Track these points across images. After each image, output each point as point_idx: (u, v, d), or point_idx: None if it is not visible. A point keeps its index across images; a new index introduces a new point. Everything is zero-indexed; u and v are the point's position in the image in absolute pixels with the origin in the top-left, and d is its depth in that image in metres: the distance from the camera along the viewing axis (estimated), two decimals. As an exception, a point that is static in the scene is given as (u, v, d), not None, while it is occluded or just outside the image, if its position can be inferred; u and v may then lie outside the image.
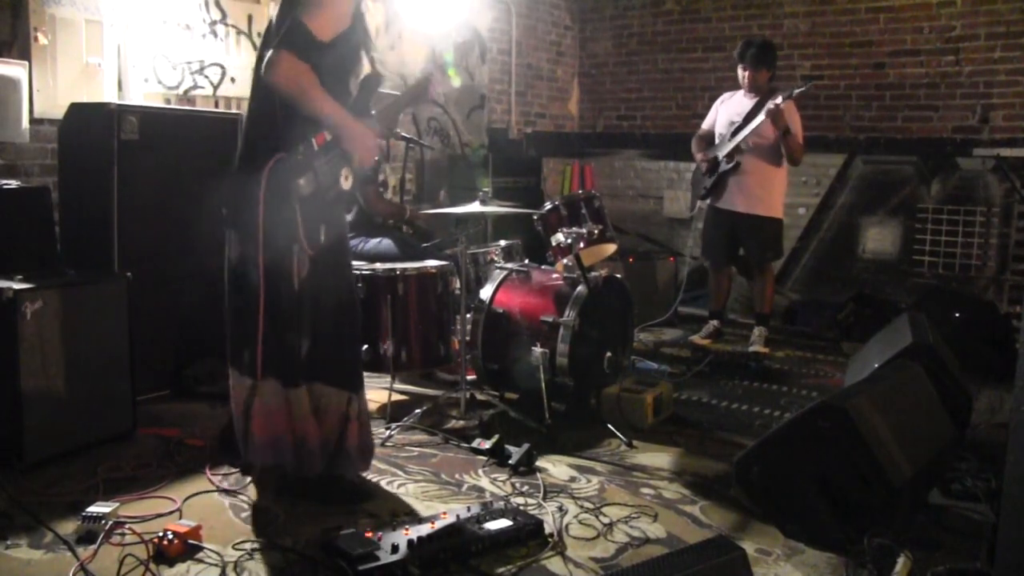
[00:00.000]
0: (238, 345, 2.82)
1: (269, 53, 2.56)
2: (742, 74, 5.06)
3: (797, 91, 4.83)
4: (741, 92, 5.14)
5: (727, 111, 5.20)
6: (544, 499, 2.90)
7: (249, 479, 2.96)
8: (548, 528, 2.64)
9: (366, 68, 2.87)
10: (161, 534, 2.43)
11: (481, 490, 3.01)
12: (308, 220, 2.65)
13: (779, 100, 4.78)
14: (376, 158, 2.82)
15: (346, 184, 2.72)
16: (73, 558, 2.38)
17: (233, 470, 3.04)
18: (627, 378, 3.96)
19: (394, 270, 3.85)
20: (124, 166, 3.69)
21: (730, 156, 5.08)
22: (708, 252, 5.49)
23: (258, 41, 4.93)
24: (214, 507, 2.78)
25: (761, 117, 4.84)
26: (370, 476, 3.08)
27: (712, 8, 7.10)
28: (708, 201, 5.29)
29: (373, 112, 2.94)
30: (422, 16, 6.10)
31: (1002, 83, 5.85)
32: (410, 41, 6.10)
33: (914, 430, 2.74)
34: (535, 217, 4.04)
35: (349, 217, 4.67)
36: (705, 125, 5.37)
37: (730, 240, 5.27)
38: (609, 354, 3.77)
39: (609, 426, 3.60)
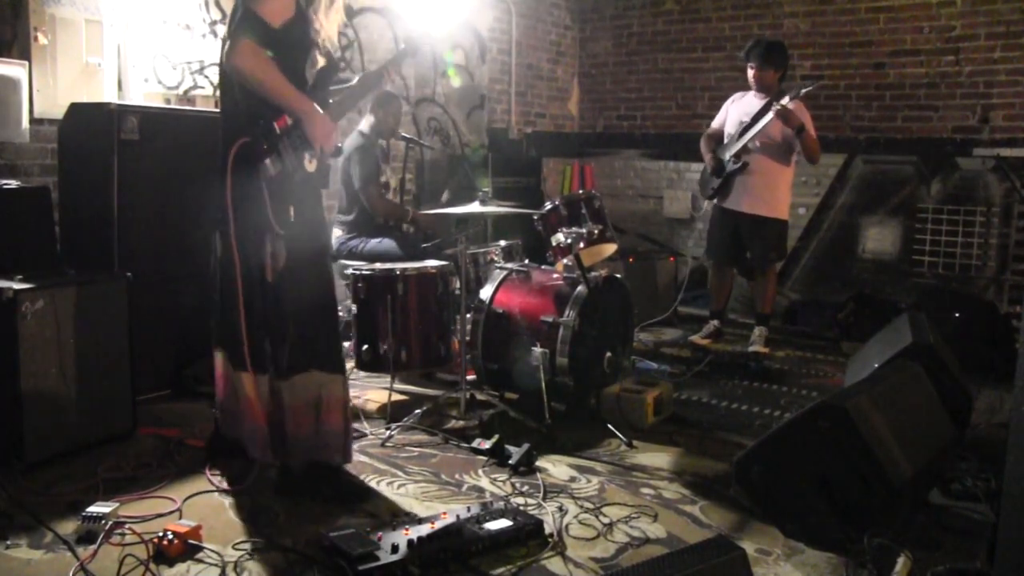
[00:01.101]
0: (227, 339, 2.86)
1: (229, 42, 2.66)
2: (750, 73, 5.05)
3: (804, 90, 4.82)
4: (752, 92, 5.13)
5: (737, 111, 5.19)
6: (544, 499, 2.90)
7: (250, 479, 2.97)
8: (548, 528, 2.64)
9: (320, 60, 2.91)
10: (161, 534, 2.43)
11: (481, 490, 3.01)
12: (276, 201, 2.73)
13: (785, 100, 4.77)
14: (338, 144, 2.91)
15: (310, 167, 2.81)
16: (73, 558, 2.38)
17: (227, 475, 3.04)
18: (627, 378, 3.96)
19: (394, 270, 3.85)
20: (124, 166, 3.69)
21: (737, 156, 5.07)
22: (712, 252, 5.49)
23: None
24: (214, 507, 2.78)
25: (770, 116, 4.83)
26: (370, 476, 3.09)
27: (712, 8, 7.10)
28: (715, 201, 5.29)
29: (332, 101, 2.99)
30: (422, 16, 6.10)
31: (1002, 83, 5.85)
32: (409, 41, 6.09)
33: (914, 430, 2.74)
34: (535, 217, 4.04)
35: (350, 217, 4.69)
36: (715, 124, 5.36)
37: (734, 240, 5.25)
38: (609, 354, 3.77)
39: (609, 426, 3.60)
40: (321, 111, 2.79)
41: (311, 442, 2.86)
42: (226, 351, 2.94)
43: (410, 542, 2.37)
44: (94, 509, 2.54)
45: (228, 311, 2.86)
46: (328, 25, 2.88)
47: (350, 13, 5.39)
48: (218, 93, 4.81)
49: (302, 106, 2.73)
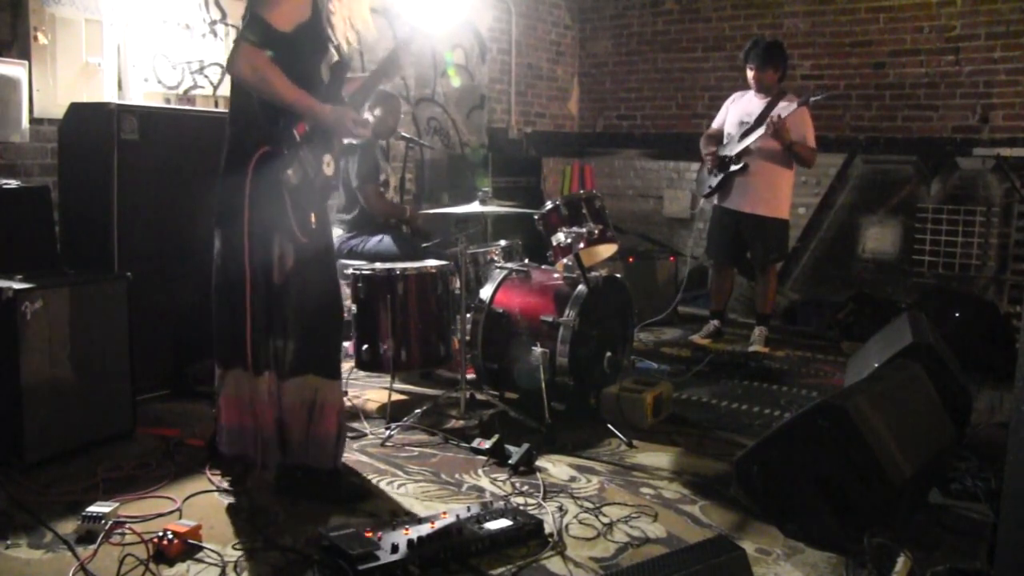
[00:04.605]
0: (228, 340, 2.85)
1: (232, 46, 2.65)
2: (750, 74, 5.05)
3: (813, 99, 4.84)
4: (752, 92, 5.13)
5: (737, 111, 5.19)
6: (544, 499, 2.90)
7: (250, 479, 2.97)
8: (548, 528, 2.64)
9: (333, 57, 2.91)
10: (161, 534, 2.43)
11: (481, 490, 3.01)
12: (298, 209, 2.71)
13: (785, 111, 4.78)
14: (367, 131, 2.89)
15: (328, 170, 2.79)
16: (73, 558, 2.38)
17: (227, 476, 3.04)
18: (627, 378, 3.96)
19: (394, 270, 3.84)
20: (124, 166, 3.69)
21: (738, 157, 5.07)
22: (712, 251, 5.49)
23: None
24: (214, 507, 2.78)
25: (762, 130, 4.85)
26: (370, 476, 3.09)
27: (712, 8, 7.11)
28: (714, 200, 5.29)
29: (347, 95, 2.98)
30: (422, 16, 6.10)
31: (1002, 83, 5.85)
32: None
33: (914, 430, 2.74)
34: (535, 217, 4.04)
35: (349, 216, 4.69)
36: (715, 124, 5.36)
37: (735, 240, 5.26)
38: (609, 354, 3.77)
39: (609, 426, 3.60)
40: (333, 106, 2.76)
41: (300, 445, 2.85)
42: (228, 357, 2.89)
43: (410, 542, 2.37)
44: (94, 509, 2.54)
45: (227, 312, 2.84)
46: (353, 16, 2.87)
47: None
48: (217, 92, 4.85)
49: (306, 104, 2.69)
